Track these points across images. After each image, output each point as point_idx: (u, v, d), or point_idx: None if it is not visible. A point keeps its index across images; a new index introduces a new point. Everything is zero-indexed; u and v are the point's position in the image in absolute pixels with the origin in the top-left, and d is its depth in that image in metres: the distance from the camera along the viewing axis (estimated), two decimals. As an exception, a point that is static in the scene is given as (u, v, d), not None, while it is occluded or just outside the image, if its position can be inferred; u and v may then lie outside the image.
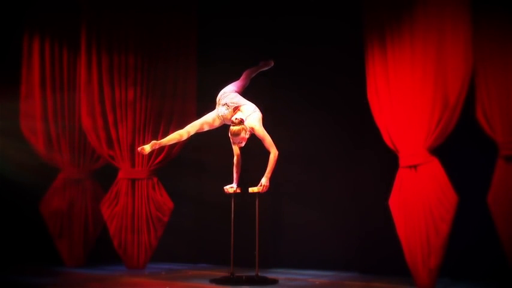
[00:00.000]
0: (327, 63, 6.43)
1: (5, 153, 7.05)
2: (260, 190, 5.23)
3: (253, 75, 5.70)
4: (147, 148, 5.06)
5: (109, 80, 6.79)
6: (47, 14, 7.10)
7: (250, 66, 5.80)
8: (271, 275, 5.81)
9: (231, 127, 5.16)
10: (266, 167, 6.50)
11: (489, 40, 4.91)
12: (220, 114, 5.31)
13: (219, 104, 5.35)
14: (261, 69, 5.78)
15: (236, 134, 5.13)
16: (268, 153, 5.15)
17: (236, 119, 5.14)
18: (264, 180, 5.18)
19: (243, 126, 5.12)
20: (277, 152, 5.12)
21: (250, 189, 5.54)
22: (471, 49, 4.93)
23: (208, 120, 5.34)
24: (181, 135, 5.27)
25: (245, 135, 5.15)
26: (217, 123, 5.36)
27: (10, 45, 7.17)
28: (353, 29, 5.85)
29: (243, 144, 5.23)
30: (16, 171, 6.97)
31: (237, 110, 5.28)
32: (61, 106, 7.06)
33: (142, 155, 6.62)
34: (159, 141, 5.19)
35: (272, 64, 5.83)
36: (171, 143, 5.38)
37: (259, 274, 5.49)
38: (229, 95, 5.36)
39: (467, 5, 4.96)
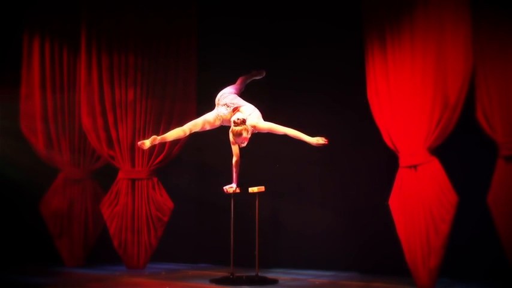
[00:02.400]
0: (327, 63, 6.42)
1: (5, 153, 7.05)
2: (323, 141, 4.91)
3: (247, 81, 5.77)
4: (147, 143, 5.03)
5: (109, 80, 6.79)
6: (47, 14, 7.10)
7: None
8: (271, 275, 5.81)
9: (233, 127, 5.14)
10: (266, 166, 6.52)
11: (489, 40, 4.89)
12: (220, 115, 5.31)
13: (219, 105, 5.36)
14: (254, 77, 5.85)
15: (238, 134, 5.11)
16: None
17: (238, 119, 5.13)
18: (314, 139, 4.93)
19: (245, 126, 5.10)
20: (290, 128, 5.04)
21: (250, 189, 5.54)
22: (471, 49, 4.91)
23: (209, 120, 5.34)
24: (184, 132, 5.25)
25: (247, 135, 5.13)
26: (217, 123, 5.37)
27: (10, 45, 7.17)
28: (353, 29, 5.85)
29: (244, 144, 5.22)
30: (16, 171, 6.97)
31: (236, 110, 5.29)
32: (61, 106, 7.06)
33: (143, 155, 6.64)
34: (159, 137, 5.17)
35: (264, 74, 5.90)
36: (171, 139, 5.36)
37: (259, 274, 5.49)
38: (228, 96, 5.38)
39: (467, 5, 4.95)
